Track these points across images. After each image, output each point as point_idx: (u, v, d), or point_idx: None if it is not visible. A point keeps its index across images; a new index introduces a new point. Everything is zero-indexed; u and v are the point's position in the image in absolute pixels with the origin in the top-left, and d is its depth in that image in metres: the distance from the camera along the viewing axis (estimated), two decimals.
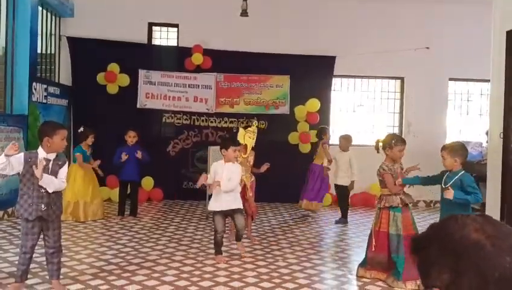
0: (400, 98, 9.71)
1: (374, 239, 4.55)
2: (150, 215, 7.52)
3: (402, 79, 9.61)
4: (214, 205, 5.13)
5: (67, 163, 4.06)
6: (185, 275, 4.55)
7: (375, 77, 9.63)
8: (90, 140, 7.09)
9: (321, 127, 8.05)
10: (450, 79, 9.52)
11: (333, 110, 9.49)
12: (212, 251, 5.31)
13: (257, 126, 6.35)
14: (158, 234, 6.24)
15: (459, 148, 4.33)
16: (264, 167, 6.10)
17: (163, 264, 4.87)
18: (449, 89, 9.62)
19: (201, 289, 4.20)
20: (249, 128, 6.05)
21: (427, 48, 9.21)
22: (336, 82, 9.52)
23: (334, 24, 9.23)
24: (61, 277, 4.13)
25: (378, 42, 9.16)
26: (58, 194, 3.99)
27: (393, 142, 4.60)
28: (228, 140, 5.66)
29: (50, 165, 3.84)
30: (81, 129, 7.16)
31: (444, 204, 4.29)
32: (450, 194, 4.02)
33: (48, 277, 4.11)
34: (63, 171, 3.95)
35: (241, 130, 6.07)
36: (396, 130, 9.71)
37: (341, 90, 9.69)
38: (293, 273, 4.72)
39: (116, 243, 5.69)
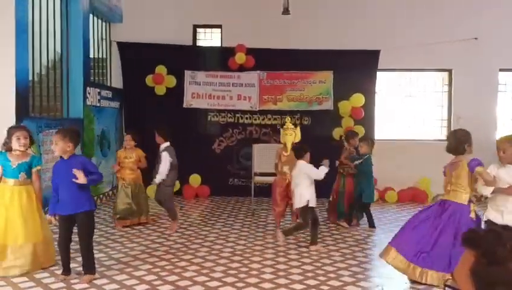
0: (447, 91, 9.47)
1: None
2: (198, 212, 7.78)
3: (450, 71, 9.37)
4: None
5: None
6: (232, 272, 4.73)
7: (422, 70, 9.44)
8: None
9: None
10: (501, 70, 9.19)
11: (378, 104, 9.40)
12: (259, 248, 5.56)
13: (292, 122, 6.61)
14: (206, 231, 6.47)
15: None
16: None
17: (211, 261, 5.07)
18: (500, 80, 9.28)
19: (248, 286, 4.35)
20: (284, 127, 6.34)
21: (476, 38, 8.93)
22: (380, 76, 9.41)
23: (377, 17, 9.13)
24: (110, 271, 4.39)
25: (423, 34, 8.98)
26: None
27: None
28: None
29: None
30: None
31: None
32: None
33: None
34: None
35: (281, 131, 6.42)
36: (444, 124, 9.50)
37: (386, 85, 9.58)
38: (338, 271, 4.80)
39: (167, 240, 5.96)
